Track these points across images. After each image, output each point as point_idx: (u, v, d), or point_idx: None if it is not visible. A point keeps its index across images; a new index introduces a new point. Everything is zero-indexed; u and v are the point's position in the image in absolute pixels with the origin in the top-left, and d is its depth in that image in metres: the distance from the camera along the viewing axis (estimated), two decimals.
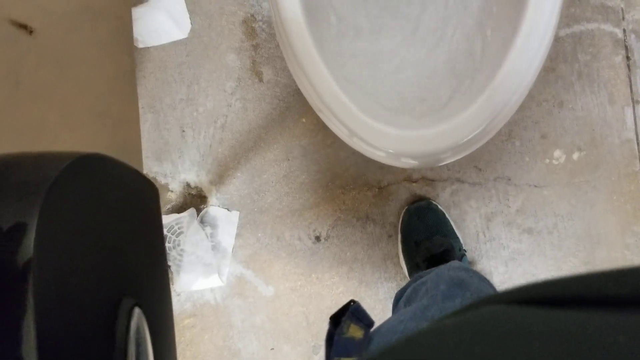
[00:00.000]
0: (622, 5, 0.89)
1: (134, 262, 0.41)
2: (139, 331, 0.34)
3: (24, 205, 0.29)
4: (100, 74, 0.70)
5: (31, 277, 0.26)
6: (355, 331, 0.48)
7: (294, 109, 0.95)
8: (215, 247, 0.94)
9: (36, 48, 0.57)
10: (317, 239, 0.94)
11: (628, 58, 0.89)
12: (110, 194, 0.40)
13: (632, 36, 0.88)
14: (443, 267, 0.67)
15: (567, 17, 0.89)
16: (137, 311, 0.34)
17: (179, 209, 0.97)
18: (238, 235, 0.95)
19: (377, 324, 0.53)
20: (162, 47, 0.96)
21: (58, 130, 0.61)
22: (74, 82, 0.63)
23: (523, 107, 0.90)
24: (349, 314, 0.49)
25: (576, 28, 0.89)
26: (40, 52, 0.58)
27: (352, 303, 0.50)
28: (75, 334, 0.29)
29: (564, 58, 0.89)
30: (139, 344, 0.34)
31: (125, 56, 0.83)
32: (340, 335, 0.47)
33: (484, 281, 0.60)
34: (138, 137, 0.88)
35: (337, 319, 0.48)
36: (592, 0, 0.89)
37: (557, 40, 0.89)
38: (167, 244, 0.93)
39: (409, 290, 0.67)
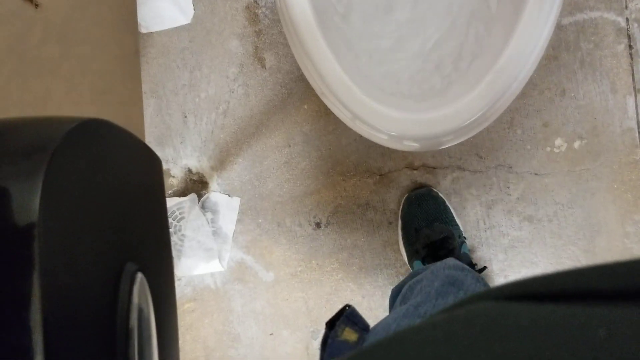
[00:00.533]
0: None
1: (137, 228, 0.41)
2: (141, 295, 0.34)
3: (31, 165, 0.29)
4: (104, 53, 0.70)
5: (36, 237, 0.26)
6: (349, 334, 0.49)
7: (296, 96, 0.95)
8: (216, 233, 0.95)
9: (41, 22, 0.57)
10: (318, 225, 0.94)
11: (630, 47, 0.89)
12: (115, 160, 0.40)
13: (635, 25, 0.88)
14: (439, 265, 0.68)
15: (570, 5, 0.89)
16: (139, 276, 0.35)
17: (181, 194, 0.97)
18: (239, 221, 0.95)
19: (375, 320, 0.54)
20: (165, 33, 0.97)
21: (62, 105, 0.62)
22: (78, 59, 0.64)
23: (525, 95, 0.90)
24: (343, 318, 0.49)
25: (579, 16, 0.89)
26: (45, 27, 0.59)
27: (347, 308, 0.51)
28: (79, 296, 0.30)
29: (566, 46, 0.89)
30: (142, 308, 0.34)
31: (129, 37, 0.83)
32: (335, 338, 0.47)
33: (479, 281, 0.61)
34: (141, 118, 0.88)
35: (332, 324, 0.49)
36: None
37: (559, 28, 0.89)
38: None
39: (405, 289, 0.67)
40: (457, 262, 0.73)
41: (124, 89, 0.79)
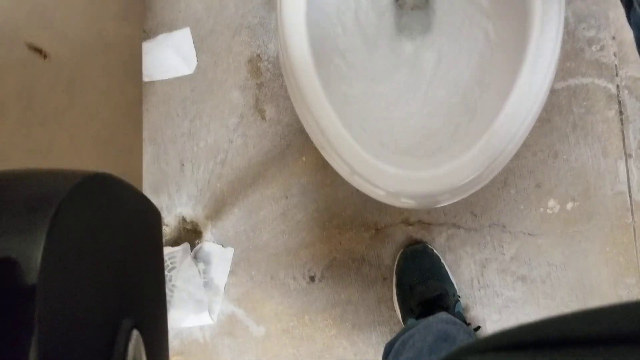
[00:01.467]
0: (616, 62, 0.92)
1: (136, 283, 0.41)
2: (136, 353, 0.34)
3: (34, 219, 0.28)
4: (109, 103, 0.71)
5: (37, 300, 0.26)
6: None
7: (295, 148, 0.96)
8: (207, 284, 0.93)
9: (49, 72, 0.58)
10: (312, 279, 0.93)
11: (621, 113, 0.91)
12: (116, 215, 0.41)
13: (625, 92, 0.92)
14: (431, 319, 0.67)
15: (562, 70, 0.93)
16: (135, 333, 0.34)
17: (173, 243, 0.96)
18: (231, 272, 0.94)
19: None
20: (168, 82, 0.98)
21: (64, 153, 0.62)
22: (83, 109, 0.64)
23: (519, 156, 0.92)
24: None
25: (571, 82, 0.93)
26: (53, 77, 0.59)
27: None
28: (76, 354, 0.29)
29: (559, 110, 0.92)
30: None
31: (133, 87, 0.84)
32: None
33: (472, 336, 0.60)
34: (139, 168, 0.88)
35: None
36: (587, 56, 0.92)
37: (552, 92, 0.92)
38: None
39: (397, 344, 0.67)
40: (450, 316, 0.72)
41: (125, 138, 0.80)
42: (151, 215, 0.50)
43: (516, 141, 0.70)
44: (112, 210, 0.40)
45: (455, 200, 0.74)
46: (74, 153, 0.61)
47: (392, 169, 0.70)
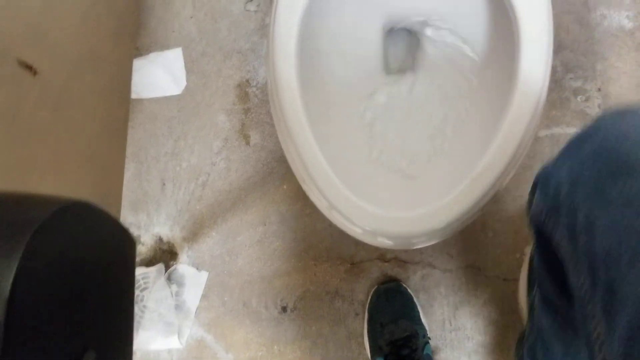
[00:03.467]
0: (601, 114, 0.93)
1: (102, 313, 0.41)
2: None
3: (7, 246, 0.29)
4: (95, 121, 0.71)
5: (4, 320, 0.26)
6: None
7: (277, 175, 0.96)
8: (178, 307, 0.93)
9: (37, 89, 0.58)
10: (284, 309, 0.93)
11: None
12: (91, 243, 0.41)
13: None
14: None
15: (547, 119, 0.93)
16: None
17: (148, 262, 0.95)
18: (204, 296, 0.94)
19: None
20: (155, 100, 0.98)
21: (46, 172, 0.62)
22: (68, 126, 0.64)
23: (499, 200, 0.92)
24: None
25: (555, 130, 0.93)
26: (41, 94, 0.59)
27: None
28: None
29: (541, 157, 0.93)
30: None
31: (120, 106, 0.84)
32: None
33: None
34: (120, 187, 0.88)
35: None
36: (573, 106, 0.93)
37: (536, 140, 0.93)
38: None
39: None
40: None
41: (108, 156, 0.80)
42: (126, 244, 0.50)
43: (497, 187, 0.70)
44: (86, 239, 0.40)
45: (433, 242, 0.74)
46: (56, 169, 0.61)
47: (370, 207, 0.70)
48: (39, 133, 0.58)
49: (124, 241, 0.46)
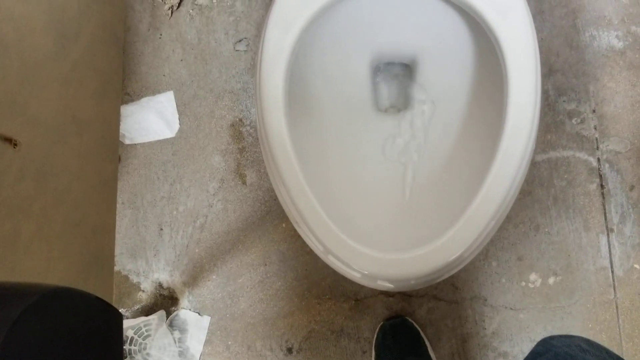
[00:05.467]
0: (597, 136, 0.92)
1: None
2: None
3: None
4: (81, 184, 0.70)
5: None
6: None
7: (275, 214, 0.95)
8: (182, 354, 0.91)
9: (19, 162, 0.57)
10: (289, 350, 0.91)
11: (602, 186, 0.91)
12: (71, 327, 0.41)
13: (606, 165, 0.92)
14: None
15: (544, 143, 0.93)
16: None
17: (149, 310, 0.94)
18: (207, 341, 0.92)
19: None
20: (149, 145, 0.98)
21: (31, 242, 0.60)
22: (53, 194, 0.63)
23: (500, 228, 0.91)
24: None
25: (552, 154, 0.93)
26: (23, 166, 0.59)
27: None
28: None
29: (540, 182, 0.92)
30: None
31: (109, 163, 0.83)
32: None
33: None
34: (112, 244, 0.87)
35: None
36: (568, 129, 0.93)
37: (534, 164, 0.92)
38: (133, 347, 0.90)
39: None
40: None
41: (97, 217, 0.79)
42: (110, 320, 0.49)
43: (497, 219, 0.69)
44: (66, 323, 0.40)
45: (435, 282, 0.72)
46: (42, 238, 0.60)
47: (368, 250, 0.69)
48: (21, 206, 0.57)
49: (108, 317, 0.46)
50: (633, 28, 0.94)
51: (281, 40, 0.68)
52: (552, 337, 0.61)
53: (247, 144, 0.97)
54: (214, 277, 0.94)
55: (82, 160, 0.69)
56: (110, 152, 0.83)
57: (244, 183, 0.96)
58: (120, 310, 0.93)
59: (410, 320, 0.89)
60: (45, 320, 0.35)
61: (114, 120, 0.85)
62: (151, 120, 0.98)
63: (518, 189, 0.70)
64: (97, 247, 0.77)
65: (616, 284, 0.89)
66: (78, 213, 0.68)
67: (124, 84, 0.98)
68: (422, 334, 0.88)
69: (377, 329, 0.89)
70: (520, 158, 0.67)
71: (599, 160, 0.92)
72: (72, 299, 0.41)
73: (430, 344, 0.89)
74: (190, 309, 0.93)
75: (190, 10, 1.00)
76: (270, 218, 0.95)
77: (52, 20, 0.65)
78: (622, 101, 0.93)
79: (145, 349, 0.90)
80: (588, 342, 0.58)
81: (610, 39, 0.94)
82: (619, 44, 0.94)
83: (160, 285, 0.95)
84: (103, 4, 0.81)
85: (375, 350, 0.88)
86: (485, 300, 0.90)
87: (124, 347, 0.89)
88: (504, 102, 0.68)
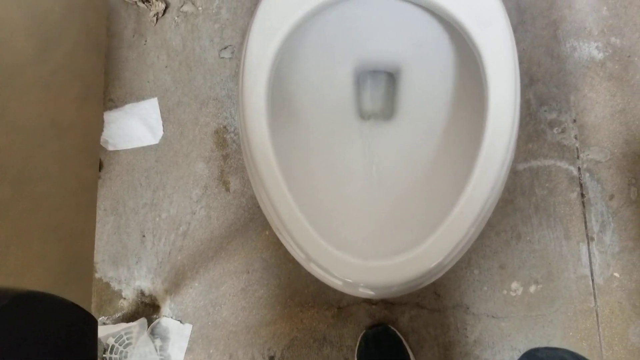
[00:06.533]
0: (577, 145, 0.94)
1: None
2: None
3: None
4: (60, 189, 0.70)
5: None
6: None
7: (258, 221, 0.95)
8: None
9: None
10: (272, 358, 0.91)
11: (583, 195, 0.92)
12: (43, 331, 0.40)
13: (587, 174, 0.93)
14: None
15: (525, 152, 0.94)
16: None
17: (130, 317, 0.93)
18: (189, 349, 0.91)
19: None
20: (132, 151, 0.97)
21: (8, 247, 0.60)
22: (31, 199, 0.62)
23: (482, 236, 0.92)
24: None
25: (534, 163, 0.93)
26: (0, 170, 0.58)
27: None
28: None
29: (521, 191, 0.93)
30: None
31: (89, 168, 0.83)
32: None
33: None
34: (92, 249, 0.86)
35: None
36: (549, 138, 0.94)
37: (515, 173, 0.93)
38: (113, 355, 0.89)
39: None
40: None
41: (77, 222, 0.78)
42: (85, 326, 0.48)
43: (477, 225, 0.70)
44: (39, 327, 0.40)
45: (417, 288, 0.72)
46: (18, 244, 0.59)
47: (349, 257, 0.69)
48: None
49: (82, 322, 0.46)
50: (613, 39, 0.95)
51: (264, 47, 0.68)
52: (536, 350, 0.62)
53: (231, 151, 0.97)
54: (196, 284, 0.94)
55: (61, 165, 0.69)
56: (91, 158, 0.82)
57: (228, 190, 0.96)
58: (101, 318, 0.92)
59: (392, 328, 0.89)
60: (16, 324, 0.35)
61: (95, 126, 0.84)
62: (134, 126, 0.97)
63: (498, 196, 0.71)
64: (76, 252, 0.76)
65: (596, 292, 0.90)
66: (57, 218, 0.67)
67: (107, 90, 0.98)
68: (404, 342, 0.88)
69: (360, 337, 0.89)
70: (500, 163, 0.68)
71: (579, 169, 0.93)
72: (46, 303, 0.41)
73: (413, 352, 0.88)
74: (172, 317, 0.93)
75: (176, 17, 1.00)
76: (254, 225, 0.95)
77: (34, 25, 0.65)
78: (602, 111, 0.94)
79: (126, 357, 0.89)
80: (572, 354, 0.58)
81: (590, 49, 0.96)
82: (599, 55, 0.95)
83: (142, 292, 0.94)
84: (86, 9, 0.80)
85: (358, 358, 0.87)
86: (468, 308, 0.90)
87: (105, 355, 0.88)
88: (484, 109, 0.68)
